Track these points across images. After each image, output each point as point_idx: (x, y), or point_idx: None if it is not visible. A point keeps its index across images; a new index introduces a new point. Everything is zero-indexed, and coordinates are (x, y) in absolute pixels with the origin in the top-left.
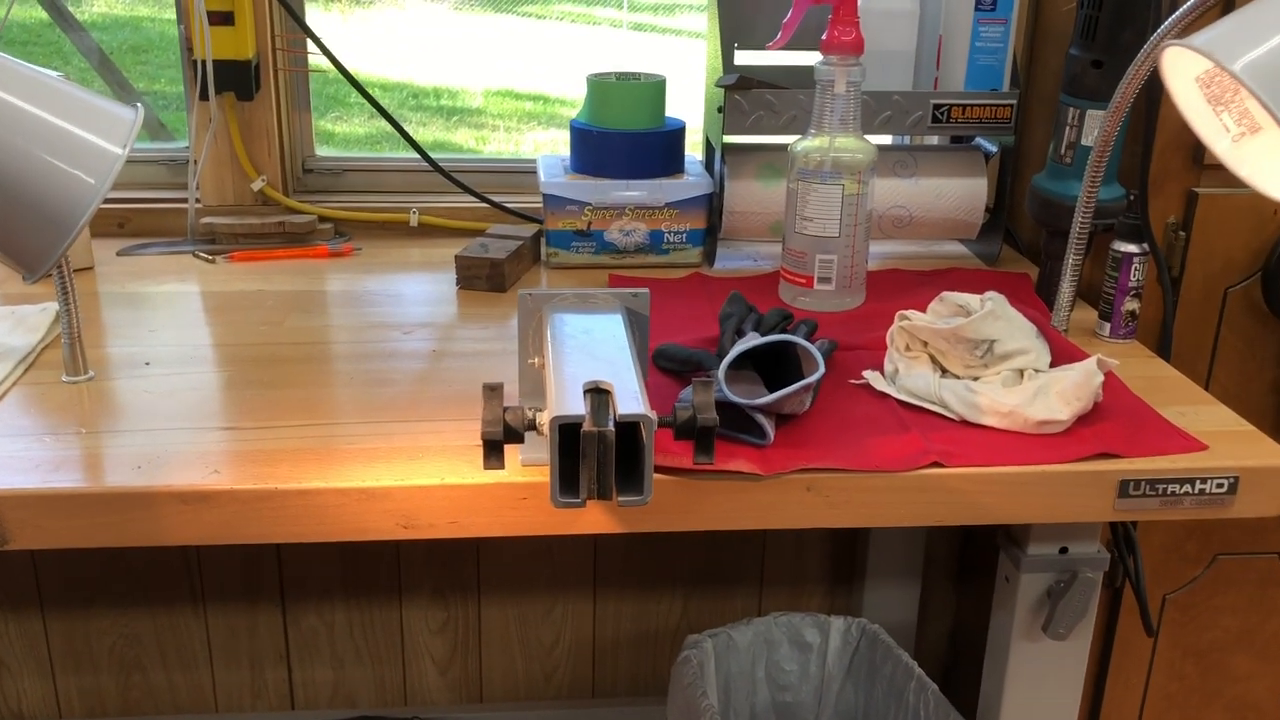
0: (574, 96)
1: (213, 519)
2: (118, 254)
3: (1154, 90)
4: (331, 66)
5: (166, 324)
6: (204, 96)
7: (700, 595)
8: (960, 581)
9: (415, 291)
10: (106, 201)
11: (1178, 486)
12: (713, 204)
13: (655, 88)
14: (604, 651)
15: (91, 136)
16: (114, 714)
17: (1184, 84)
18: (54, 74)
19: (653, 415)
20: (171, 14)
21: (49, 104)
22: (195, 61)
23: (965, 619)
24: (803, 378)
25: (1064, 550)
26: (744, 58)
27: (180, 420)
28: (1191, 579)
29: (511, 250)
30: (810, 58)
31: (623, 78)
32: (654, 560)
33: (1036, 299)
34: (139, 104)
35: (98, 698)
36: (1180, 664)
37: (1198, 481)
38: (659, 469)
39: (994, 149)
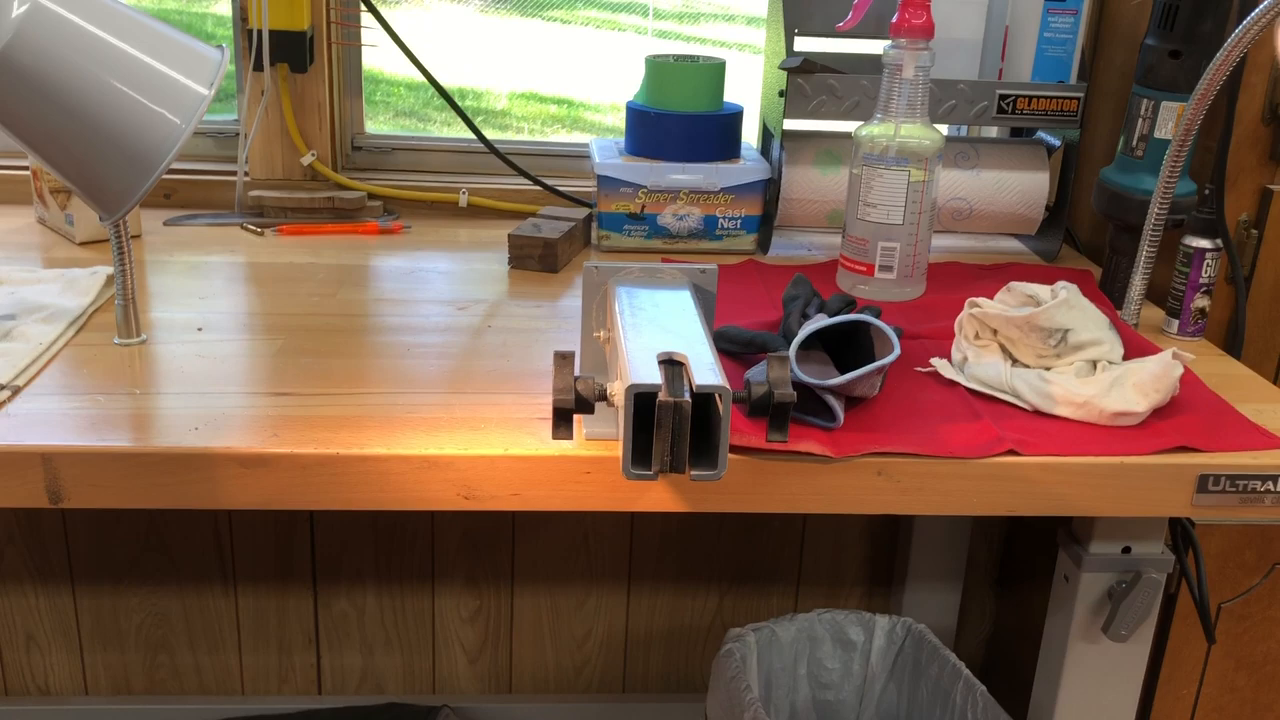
0: (597, 101)
1: (272, 483)
2: (165, 224)
3: (1233, 82)
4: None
5: (217, 292)
6: (258, 67)
7: (736, 592)
8: (1001, 585)
9: (466, 269)
10: None
11: (1259, 483)
12: (769, 191)
13: (714, 70)
14: (637, 646)
15: (178, 75)
16: (140, 693)
17: None
18: (141, 12)
19: (729, 387)
20: (199, 7)
21: (137, 40)
22: (250, 31)
23: (1006, 623)
24: (872, 360)
25: (1127, 550)
26: (803, 44)
27: (236, 385)
28: (1249, 588)
29: (564, 231)
30: (871, 46)
31: (681, 59)
32: (690, 555)
33: (1102, 296)
34: (224, 46)
35: (124, 676)
36: (1233, 675)
37: (1279, 479)
38: (729, 448)
39: (1057, 143)
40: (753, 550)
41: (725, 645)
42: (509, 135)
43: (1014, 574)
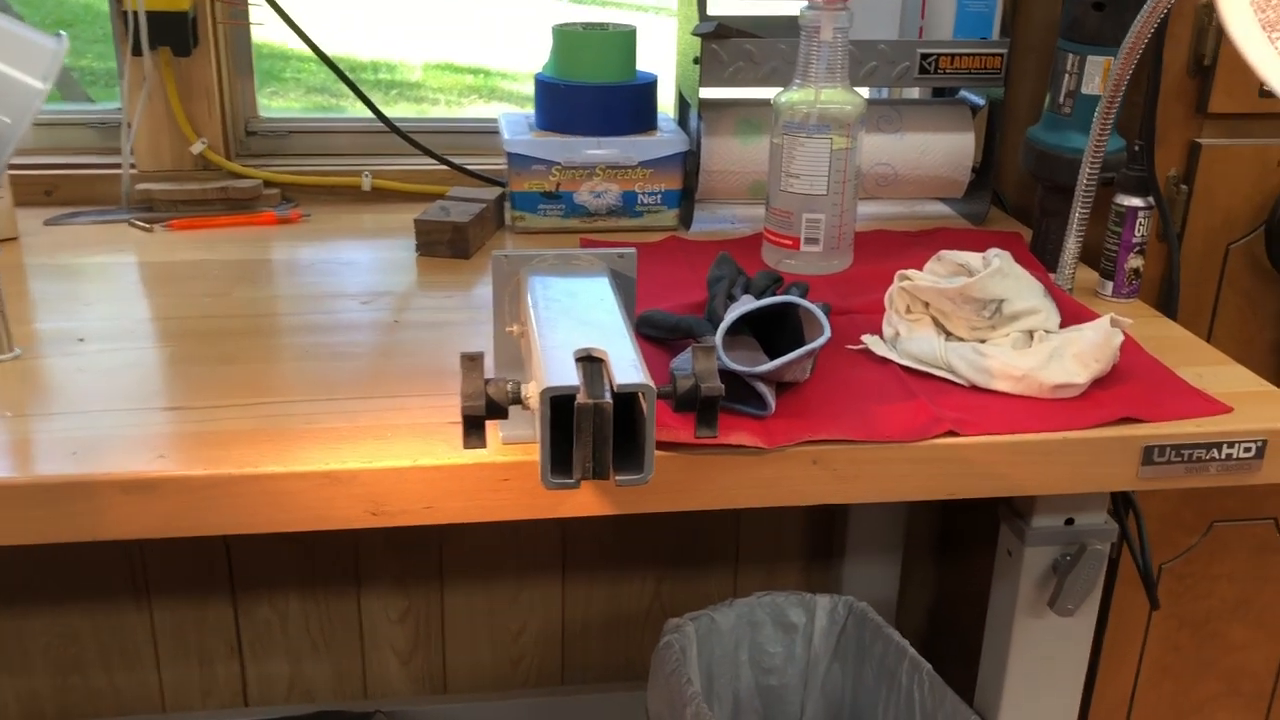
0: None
1: (160, 509)
2: (45, 223)
3: (1159, 34)
4: (267, 31)
5: (101, 297)
6: (136, 52)
7: (673, 576)
8: (942, 554)
9: (371, 259)
10: (32, 167)
11: (1204, 452)
12: (688, 163)
13: (624, 38)
14: (574, 637)
15: (7, 68)
16: (52, 718)
17: (1237, 7)
18: None
19: (653, 385)
20: None
21: None
22: (126, 13)
23: (948, 592)
24: (803, 343)
25: (1070, 521)
26: (717, 7)
27: (120, 401)
28: (1188, 547)
29: (474, 214)
30: (788, 6)
31: (590, 27)
32: (625, 541)
33: (1033, 259)
34: (63, 33)
35: (33, 701)
36: (1176, 635)
37: (1224, 446)
38: (655, 445)
39: (981, 102)
40: (689, 532)
41: (664, 637)
42: (424, 108)
43: (954, 542)
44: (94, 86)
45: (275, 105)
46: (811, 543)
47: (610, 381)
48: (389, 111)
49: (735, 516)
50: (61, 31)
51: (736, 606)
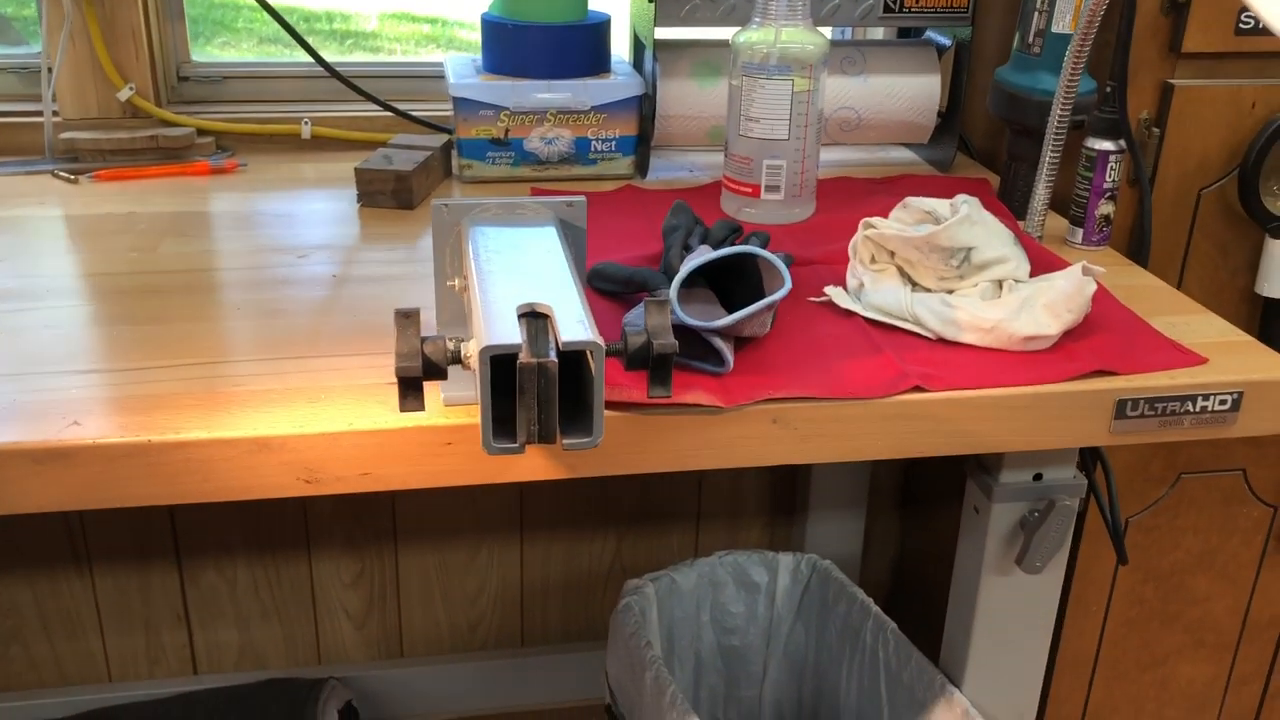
0: (472, 19)
1: (74, 480)
2: None
3: None
4: None
5: (19, 252)
6: None
7: (634, 534)
8: (905, 509)
9: (310, 211)
10: None
11: (1178, 405)
12: (644, 108)
13: None
14: (533, 598)
15: None
16: None
17: None
18: None
19: (601, 342)
20: None
21: None
22: None
23: (912, 546)
24: (762, 295)
25: (1038, 477)
26: None
27: (33, 364)
28: (1155, 500)
29: (419, 162)
30: None
31: None
32: (584, 499)
33: (1001, 206)
34: None
35: None
36: (1140, 588)
37: (1199, 399)
38: (606, 405)
39: (948, 43)
40: (649, 491)
41: (623, 599)
42: (381, 58)
43: (918, 495)
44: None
45: (227, 56)
46: (774, 499)
47: (555, 339)
48: (345, 62)
49: (697, 475)
50: None
51: (697, 566)
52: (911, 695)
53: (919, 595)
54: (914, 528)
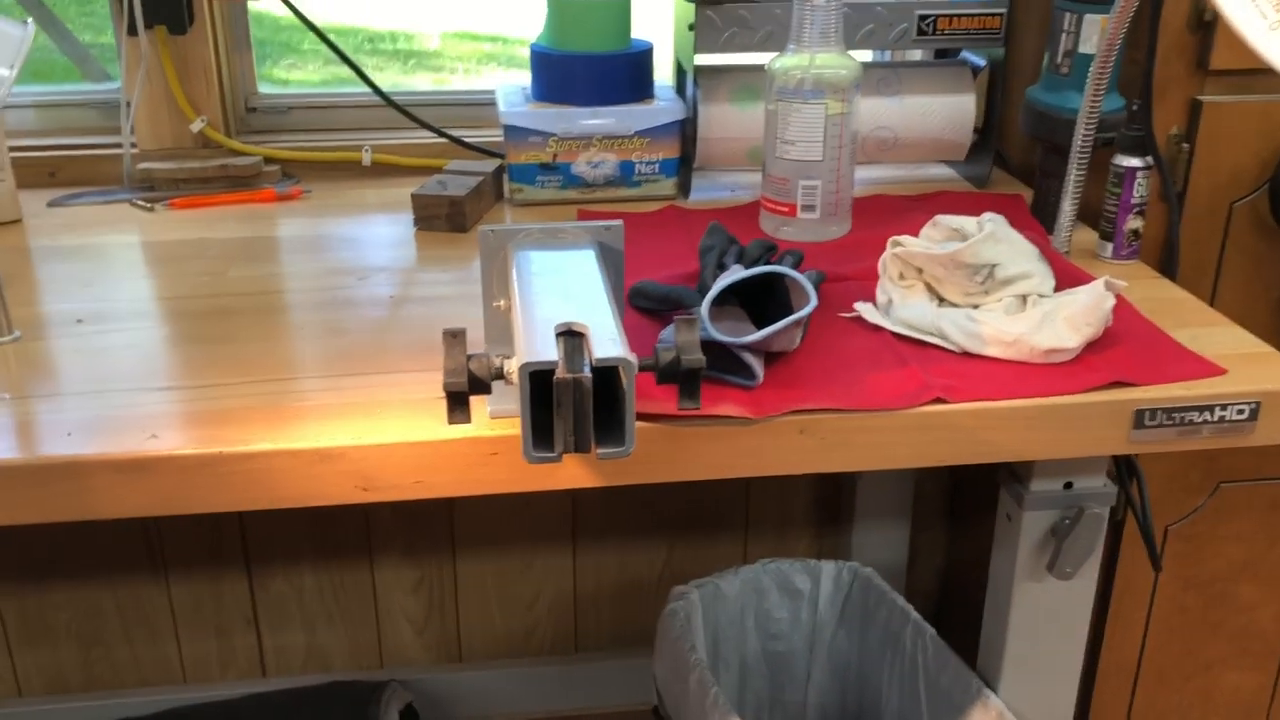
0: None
1: (151, 489)
2: (48, 205)
3: None
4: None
5: (101, 278)
6: (132, 31)
7: (684, 543)
8: (951, 519)
9: (370, 234)
10: (35, 149)
11: (1195, 415)
12: (686, 131)
13: (619, 5)
14: (586, 605)
15: None
16: (77, 690)
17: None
18: None
19: (633, 358)
20: None
21: None
22: None
23: (958, 557)
24: (792, 312)
25: (1069, 485)
26: None
27: (115, 381)
28: (1194, 509)
29: (471, 187)
30: None
31: None
32: (635, 509)
33: (1033, 221)
34: (29, 20)
35: (58, 675)
36: (1182, 596)
37: (1217, 409)
38: (641, 416)
39: (982, 63)
40: (698, 499)
41: (669, 605)
42: (443, 78)
43: (964, 505)
44: (114, 64)
45: (294, 78)
46: (821, 509)
47: (590, 355)
48: (407, 82)
49: (745, 484)
50: (29, 19)
51: (742, 573)
52: (949, 699)
53: (964, 604)
54: (959, 537)
